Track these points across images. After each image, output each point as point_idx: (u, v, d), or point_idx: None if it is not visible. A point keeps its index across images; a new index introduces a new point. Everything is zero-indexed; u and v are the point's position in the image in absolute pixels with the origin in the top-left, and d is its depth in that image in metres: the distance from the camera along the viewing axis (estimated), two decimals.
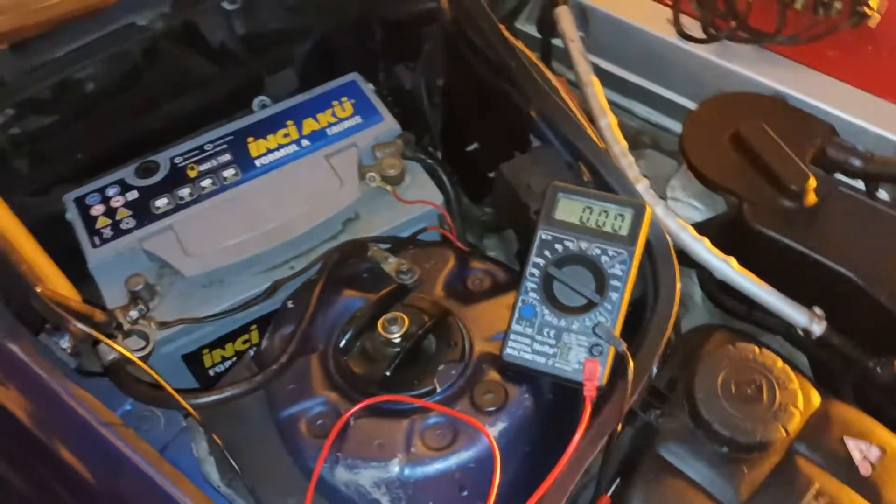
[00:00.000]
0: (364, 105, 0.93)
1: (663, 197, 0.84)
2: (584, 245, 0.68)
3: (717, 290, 0.84)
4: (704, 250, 0.75)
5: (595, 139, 0.75)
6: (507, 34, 0.82)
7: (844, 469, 0.67)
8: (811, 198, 0.76)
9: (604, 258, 0.68)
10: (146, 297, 0.79)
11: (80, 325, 0.64)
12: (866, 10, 0.83)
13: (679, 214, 0.78)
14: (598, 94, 0.84)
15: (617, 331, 0.66)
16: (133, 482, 0.61)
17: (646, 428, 0.70)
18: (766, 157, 0.78)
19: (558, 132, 0.77)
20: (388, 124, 0.91)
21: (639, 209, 0.68)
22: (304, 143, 0.90)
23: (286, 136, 0.91)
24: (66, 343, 0.65)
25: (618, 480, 0.68)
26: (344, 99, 0.94)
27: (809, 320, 0.73)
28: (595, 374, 0.64)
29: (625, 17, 0.95)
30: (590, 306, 0.67)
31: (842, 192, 0.78)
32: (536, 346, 0.67)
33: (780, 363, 0.68)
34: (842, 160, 0.80)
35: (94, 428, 0.61)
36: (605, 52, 0.98)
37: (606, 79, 0.98)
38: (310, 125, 0.92)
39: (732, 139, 0.80)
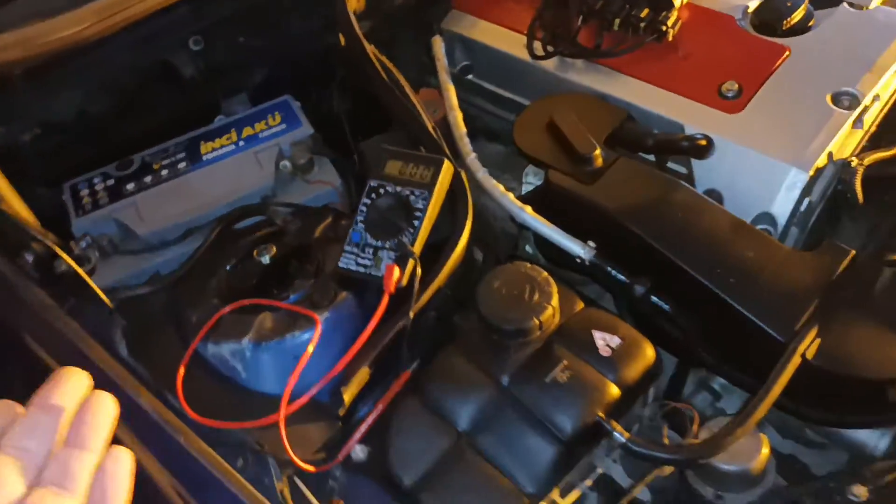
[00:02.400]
0: (290, 117, 1.20)
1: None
2: (399, 189, 0.92)
3: (548, 251, 1.05)
4: (508, 201, 0.97)
5: (430, 128, 0.99)
6: (375, 59, 1.07)
7: (589, 353, 0.86)
8: (598, 162, 0.98)
9: (412, 198, 0.91)
10: (106, 248, 1.07)
11: (41, 238, 0.91)
12: (663, 28, 1.06)
13: None
14: (451, 97, 1.09)
15: (416, 248, 0.89)
16: None
17: (450, 326, 0.92)
18: (568, 135, 1.00)
19: (404, 121, 1.02)
20: (305, 129, 1.17)
21: (438, 163, 0.92)
22: (241, 143, 1.18)
23: (228, 139, 1.19)
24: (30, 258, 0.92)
25: (418, 360, 0.89)
26: (276, 113, 1.21)
27: (583, 249, 0.94)
28: (392, 274, 0.87)
29: (494, 45, 1.20)
30: (399, 231, 0.90)
31: (625, 160, 0.99)
32: (360, 260, 0.90)
33: (544, 274, 0.88)
34: (634, 138, 1.02)
35: None
36: (485, 74, 1.24)
37: (486, 94, 1.24)
38: (247, 132, 1.20)
39: (548, 126, 1.03)
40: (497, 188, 0.98)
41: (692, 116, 1.02)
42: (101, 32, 1.11)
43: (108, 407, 0.53)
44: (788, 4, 1.07)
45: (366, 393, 0.87)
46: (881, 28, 1.04)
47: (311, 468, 0.81)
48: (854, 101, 0.98)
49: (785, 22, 1.06)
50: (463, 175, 0.95)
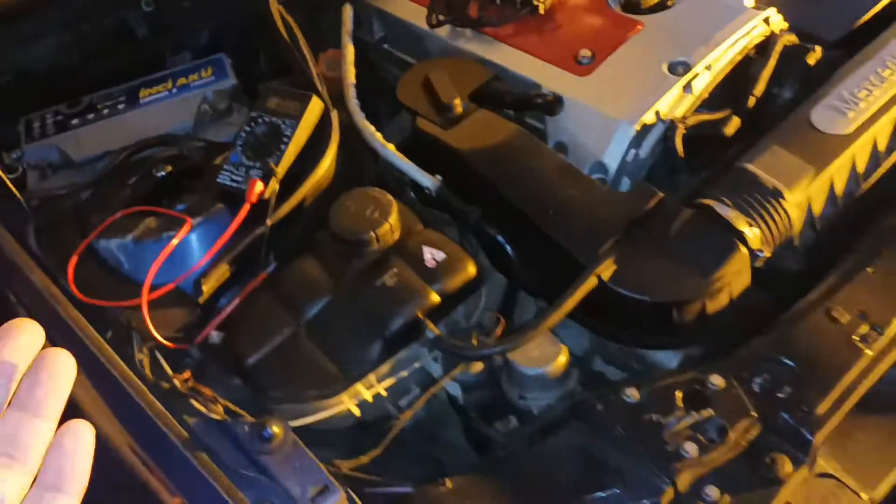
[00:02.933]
0: (219, 71, 1.36)
1: None
2: (273, 119, 1.08)
3: (420, 194, 1.18)
4: (375, 139, 1.12)
5: (314, 75, 1.14)
6: (278, 18, 1.22)
7: (418, 264, 0.99)
8: (458, 110, 1.12)
9: (282, 126, 1.07)
10: (46, 171, 1.24)
11: None
12: (535, 3, 1.20)
13: None
14: (347, 55, 1.24)
15: (279, 170, 1.04)
16: None
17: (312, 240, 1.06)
18: (435, 87, 1.14)
19: (298, 70, 1.17)
20: (229, 81, 1.34)
21: (307, 99, 1.07)
22: (174, 90, 1.35)
23: (164, 87, 1.36)
24: None
25: (275, 263, 1.04)
26: (209, 67, 1.38)
27: (429, 181, 1.07)
28: (253, 187, 1.02)
29: (402, 16, 1.35)
30: (269, 154, 1.05)
31: (483, 112, 1.13)
32: (234, 177, 1.06)
33: (388, 197, 1.02)
34: (495, 94, 1.16)
35: None
36: (396, 44, 1.39)
37: (398, 62, 1.38)
38: (181, 81, 1.36)
39: (423, 83, 1.17)
40: (368, 128, 1.13)
41: (548, 78, 1.15)
42: None
43: (66, 367, 0.47)
44: None
45: (227, 287, 1.02)
46: (725, 9, 1.16)
47: (168, 344, 0.96)
48: (687, 69, 1.10)
49: (642, 3, 1.19)
50: (335, 113, 1.10)
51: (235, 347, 0.97)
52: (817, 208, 1.03)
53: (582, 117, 1.11)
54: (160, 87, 1.36)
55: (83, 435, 0.47)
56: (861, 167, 1.06)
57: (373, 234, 0.99)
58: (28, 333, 0.47)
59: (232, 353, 0.97)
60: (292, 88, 1.11)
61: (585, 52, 1.15)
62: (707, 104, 1.12)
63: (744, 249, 0.96)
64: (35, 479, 0.46)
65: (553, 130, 1.15)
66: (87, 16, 1.41)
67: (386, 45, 1.40)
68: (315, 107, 1.07)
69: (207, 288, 0.99)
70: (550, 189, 1.04)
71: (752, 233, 0.97)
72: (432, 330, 0.94)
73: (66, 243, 1.06)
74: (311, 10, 1.39)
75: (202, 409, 0.88)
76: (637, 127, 1.07)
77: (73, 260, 1.01)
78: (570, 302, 0.95)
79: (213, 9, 1.43)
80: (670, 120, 1.07)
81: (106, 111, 1.33)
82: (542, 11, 1.21)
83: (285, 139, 1.05)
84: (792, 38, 1.15)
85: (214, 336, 1.00)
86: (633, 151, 1.08)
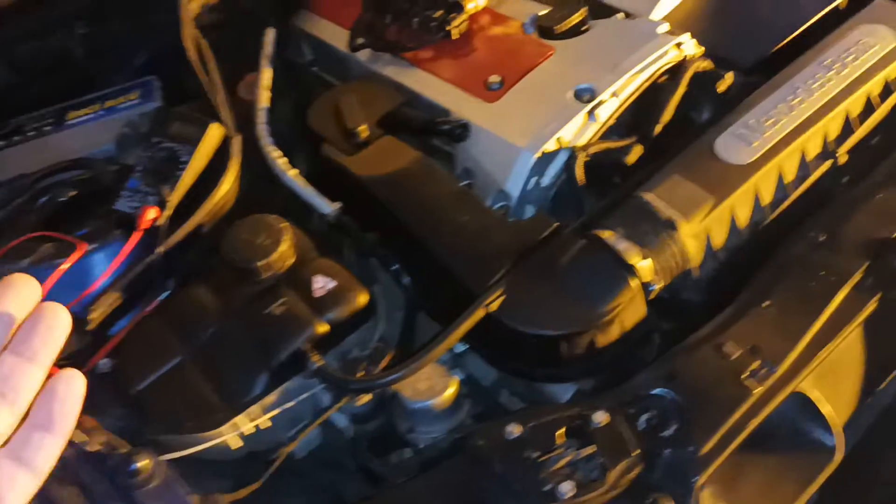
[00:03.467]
0: (147, 93, 1.36)
1: None
2: (172, 144, 1.08)
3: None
4: (277, 164, 1.11)
5: (218, 100, 1.14)
6: (190, 43, 1.22)
7: (307, 294, 0.98)
8: (363, 136, 1.11)
9: (180, 152, 1.06)
10: None
11: None
12: (448, 28, 1.20)
13: None
14: (263, 78, 1.24)
15: (173, 197, 1.04)
16: None
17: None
18: (343, 112, 1.14)
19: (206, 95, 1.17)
20: (156, 102, 1.34)
21: (206, 125, 1.07)
22: (101, 112, 1.35)
23: (92, 108, 1.37)
24: None
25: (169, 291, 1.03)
26: (138, 90, 1.38)
27: (327, 207, 1.07)
28: (144, 215, 1.02)
29: (327, 40, 1.35)
30: (165, 180, 1.05)
31: (389, 138, 1.12)
32: (131, 203, 1.05)
33: (282, 225, 1.01)
34: (403, 120, 1.15)
35: None
36: (324, 67, 1.39)
37: (327, 85, 1.38)
38: (109, 103, 1.36)
39: (333, 108, 1.17)
40: (272, 153, 1.13)
41: (458, 104, 1.14)
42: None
43: (61, 320, 0.50)
44: (565, 11, 1.19)
45: (119, 314, 1.02)
46: (636, 36, 1.15)
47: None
48: (592, 96, 1.09)
49: (558, 27, 1.18)
50: (237, 138, 1.09)
51: (123, 375, 0.97)
52: (718, 239, 1.01)
53: (487, 144, 1.10)
54: (88, 109, 1.36)
55: (75, 382, 0.50)
56: (766, 198, 1.04)
57: (262, 262, 0.99)
58: (26, 287, 0.49)
59: (120, 381, 0.97)
60: (195, 114, 1.11)
61: (495, 78, 1.14)
62: (615, 130, 1.11)
63: (634, 282, 0.95)
64: (24, 420, 0.49)
65: (461, 157, 1.14)
66: (22, 38, 1.43)
67: (315, 69, 1.40)
68: (214, 132, 1.07)
69: (96, 315, 0.99)
70: (445, 216, 1.03)
71: (644, 265, 0.95)
72: (315, 361, 0.93)
73: None
74: (244, 31, 1.39)
75: (84, 437, 0.88)
76: (537, 155, 1.06)
77: None
78: (456, 334, 0.94)
79: (147, 32, 1.44)
80: (571, 148, 1.06)
81: (32, 133, 1.33)
82: (455, 36, 1.20)
83: (182, 165, 1.05)
84: (705, 64, 1.14)
85: (103, 364, 0.99)
86: (534, 180, 1.07)
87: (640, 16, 1.21)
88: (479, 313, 0.94)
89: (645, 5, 1.23)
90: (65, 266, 1.00)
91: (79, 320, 1.00)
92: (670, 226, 0.97)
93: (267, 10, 1.37)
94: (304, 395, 0.98)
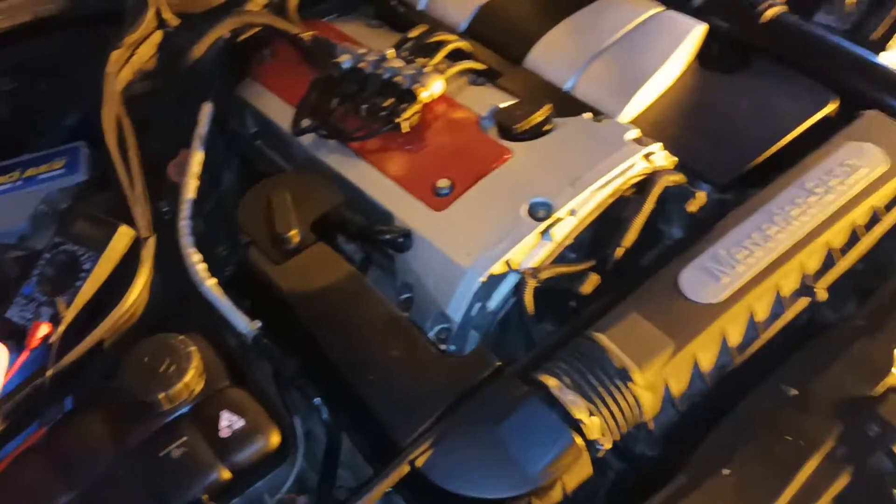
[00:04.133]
0: (73, 163, 1.25)
1: None
2: (75, 248, 0.96)
3: None
4: (195, 270, 1.00)
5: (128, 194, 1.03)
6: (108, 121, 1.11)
7: (212, 433, 0.87)
8: (294, 242, 1.00)
9: (83, 258, 0.95)
10: None
11: None
12: (397, 120, 1.09)
13: None
14: (193, 162, 1.12)
15: (69, 313, 0.92)
16: None
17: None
18: (275, 212, 1.03)
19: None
20: (80, 174, 1.22)
21: (114, 227, 0.96)
22: (19, 183, 1.23)
23: (10, 177, 1.25)
24: None
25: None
26: (63, 158, 1.27)
27: (245, 326, 0.95)
28: (36, 331, 0.90)
29: (271, 116, 1.23)
30: (63, 290, 0.94)
31: (321, 246, 1.01)
32: (24, 313, 0.94)
33: (190, 349, 0.90)
34: (340, 223, 1.04)
35: None
36: (268, 142, 1.27)
37: (269, 162, 1.27)
38: (30, 172, 1.25)
39: (264, 205, 1.06)
40: (190, 256, 1.01)
41: (403, 208, 1.04)
42: None
43: None
44: (527, 108, 1.09)
45: (5, 441, 0.90)
46: (602, 142, 1.05)
47: None
48: (548, 213, 0.98)
49: (517, 126, 1.07)
50: (149, 244, 0.98)
51: None
52: (678, 387, 0.91)
53: (430, 259, 0.99)
54: (5, 177, 1.25)
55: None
56: (734, 340, 0.93)
57: (163, 394, 0.87)
58: None
59: None
60: (101, 215, 0.99)
61: (444, 183, 1.04)
62: (572, 249, 1.00)
63: (579, 440, 0.84)
64: None
65: (401, 269, 1.03)
66: None
67: (258, 142, 1.29)
68: (123, 237, 0.96)
69: None
70: (373, 348, 0.92)
71: (590, 421, 0.84)
72: None
73: None
74: (184, 100, 1.28)
75: None
76: (483, 278, 0.95)
77: None
78: (376, 492, 0.83)
79: (77, 92, 1.32)
80: (521, 272, 0.95)
81: None
82: (405, 129, 1.09)
83: (83, 274, 0.94)
84: (676, 178, 1.04)
85: None
86: (479, 304, 0.96)
87: (610, 115, 1.11)
88: (403, 469, 0.83)
89: (615, 103, 1.12)
90: None
91: None
92: (624, 376, 0.86)
93: (207, 78, 1.26)
94: None
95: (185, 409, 0.89)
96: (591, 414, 0.85)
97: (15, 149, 1.33)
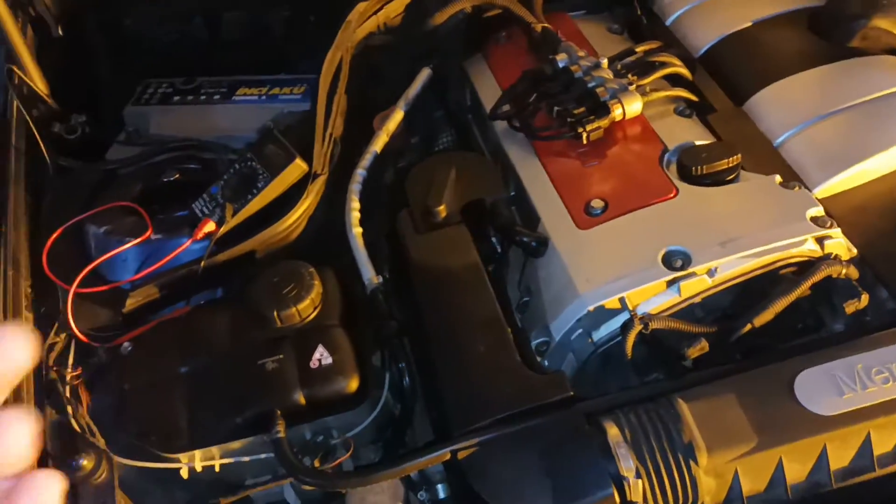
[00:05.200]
0: (311, 92, 1.40)
1: None
2: (257, 166, 1.09)
3: None
4: (349, 217, 1.08)
5: (321, 135, 1.13)
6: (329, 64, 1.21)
7: (304, 360, 0.96)
8: (440, 217, 1.05)
9: (260, 176, 1.08)
10: (132, 135, 1.37)
11: (43, 103, 1.22)
12: (580, 130, 1.08)
13: None
14: (392, 119, 1.21)
15: (233, 220, 1.05)
16: None
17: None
18: (433, 185, 1.08)
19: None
20: (305, 107, 1.37)
21: (291, 158, 1.07)
22: (262, 98, 1.41)
23: (259, 91, 1.42)
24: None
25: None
26: (304, 85, 1.42)
27: (369, 277, 1.02)
28: (203, 226, 1.04)
29: (480, 95, 1.28)
30: (237, 198, 1.07)
31: (459, 228, 1.05)
32: (204, 208, 1.09)
33: (314, 281, 0.99)
34: (489, 213, 1.07)
35: None
36: (476, 120, 1.32)
37: (474, 141, 1.33)
38: (275, 91, 1.42)
39: (431, 175, 1.11)
40: (351, 201, 1.10)
41: (551, 216, 1.04)
42: None
43: (20, 348, 0.41)
44: (716, 153, 1.03)
45: (155, 307, 1.07)
46: (775, 211, 0.96)
47: (82, 336, 1.03)
48: (685, 264, 0.93)
49: (697, 168, 1.02)
50: (319, 181, 1.08)
51: (123, 367, 1.01)
52: (751, 486, 0.84)
53: (554, 272, 0.99)
54: (255, 90, 1.43)
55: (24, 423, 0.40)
56: (838, 462, 0.84)
57: (279, 312, 0.98)
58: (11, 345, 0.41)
59: (119, 372, 1.02)
60: (286, 143, 1.10)
61: (599, 203, 1.02)
62: (703, 306, 0.95)
63: (618, 498, 0.81)
64: None
65: (528, 272, 1.04)
66: (233, 5, 1.52)
67: (470, 116, 1.35)
68: (295, 169, 1.07)
69: (132, 301, 1.05)
70: (465, 337, 0.94)
71: (635, 483, 0.81)
72: (278, 430, 0.92)
73: (70, 214, 1.17)
74: (415, 59, 1.37)
75: (69, 409, 0.95)
76: (592, 307, 0.93)
77: (55, 235, 1.11)
78: (414, 466, 0.87)
79: (334, 28, 1.46)
80: (632, 314, 0.92)
81: (203, 97, 1.43)
82: (584, 141, 1.08)
83: (255, 191, 1.07)
84: (847, 272, 0.93)
85: (125, 347, 1.05)
86: (581, 331, 0.95)
87: (808, 184, 1.01)
88: (445, 455, 0.87)
89: (819, 173, 1.03)
90: (123, 247, 1.06)
91: (120, 299, 1.07)
92: (688, 452, 0.82)
93: (442, 44, 1.33)
94: (263, 456, 0.97)
95: (291, 332, 1.00)
96: (639, 476, 0.82)
97: (280, 67, 1.52)
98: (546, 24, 1.27)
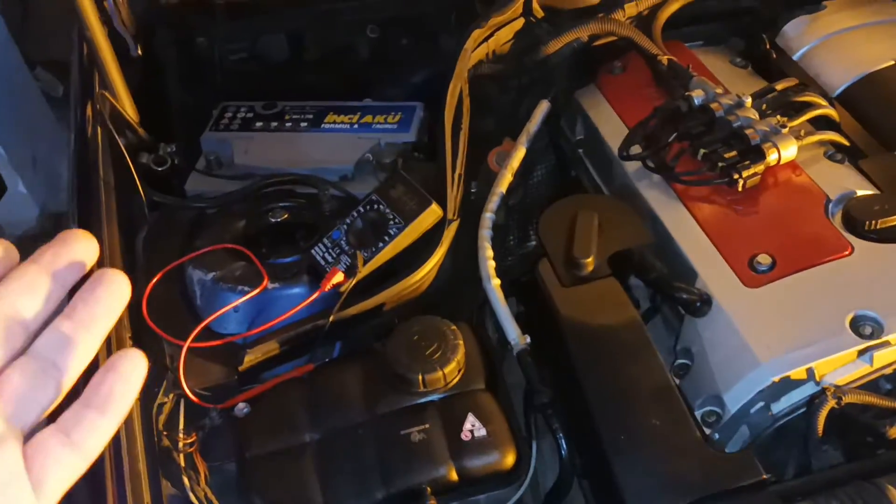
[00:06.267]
0: (406, 121, 1.31)
1: None
2: (387, 210, 1.00)
3: None
4: (485, 266, 1.00)
5: (450, 175, 1.04)
6: (451, 96, 1.13)
7: (453, 430, 0.87)
8: (588, 269, 0.97)
9: (391, 222, 0.98)
10: (212, 163, 1.27)
11: (133, 132, 1.12)
12: (736, 176, 1.00)
13: None
14: (515, 156, 1.12)
15: (364, 269, 0.96)
16: None
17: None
18: (577, 233, 1.00)
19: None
20: (410, 135, 1.27)
21: (426, 203, 0.98)
22: (355, 126, 1.31)
23: (349, 119, 1.33)
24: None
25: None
26: (399, 113, 1.33)
27: (515, 339, 0.94)
28: (331, 277, 0.95)
29: (600, 129, 1.20)
30: (366, 245, 0.98)
31: (612, 282, 0.96)
32: (327, 255, 1.00)
33: (459, 341, 0.91)
34: (640, 264, 0.99)
35: None
36: (589, 153, 1.25)
37: (586, 172, 1.24)
38: (367, 119, 1.32)
39: (570, 219, 1.03)
40: (485, 249, 1.01)
41: (710, 271, 0.95)
42: None
43: (122, 288, 0.45)
44: (888, 206, 0.95)
45: (274, 363, 0.97)
46: None
47: (194, 398, 0.93)
48: (876, 332, 0.86)
49: (868, 223, 0.94)
50: (452, 227, 0.99)
51: (245, 432, 0.92)
52: None
53: (723, 335, 0.91)
54: (345, 117, 1.33)
55: (138, 363, 0.44)
56: None
57: (421, 376, 0.89)
58: (84, 246, 0.45)
59: (241, 436, 0.92)
60: (418, 186, 1.01)
61: (765, 259, 0.94)
62: (891, 378, 0.87)
63: None
64: (72, 394, 0.44)
65: (687, 332, 0.95)
66: (317, 23, 1.43)
67: (581, 150, 1.27)
68: (431, 214, 0.98)
69: (250, 359, 0.95)
70: (635, 408, 0.86)
71: None
72: None
73: (167, 255, 1.07)
74: (525, 90, 1.28)
75: (186, 482, 0.86)
76: (777, 378, 0.85)
77: (154, 280, 1.01)
78: None
79: (427, 55, 1.38)
80: (822, 387, 0.84)
81: (289, 124, 1.33)
82: (739, 188, 1.00)
83: (387, 238, 0.97)
84: None
85: (240, 408, 0.96)
86: (761, 403, 0.87)
87: None
88: None
89: None
90: (245, 298, 0.97)
91: (233, 354, 0.98)
92: None
93: (553, 74, 1.25)
94: None
95: (434, 397, 0.91)
96: None
97: (363, 91, 1.42)
98: (672, 57, 1.19)
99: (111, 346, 0.91)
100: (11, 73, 2.85)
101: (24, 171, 2.75)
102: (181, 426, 0.92)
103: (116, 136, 1.09)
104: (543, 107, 1.19)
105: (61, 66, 3.35)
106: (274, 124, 1.33)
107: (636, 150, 1.10)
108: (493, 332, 1.05)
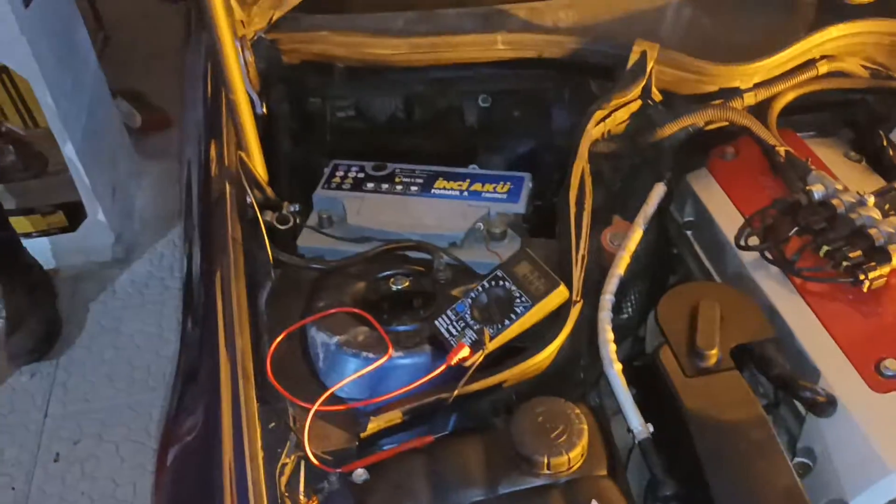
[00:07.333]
0: (515, 191, 1.33)
1: None
2: (513, 288, 1.02)
3: None
4: (606, 349, 1.01)
5: (575, 257, 1.06)
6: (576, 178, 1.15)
7: None
8: (711, 361, 0.97)
9: (517, 300, 1.00)
10: (324, 221, 1.30)
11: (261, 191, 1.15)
12: (862, 277, 1.00)
13: None
14: (631, 240, 1.13)
15: (490, 345, 0.98)
16: None
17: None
18: (699, 322, 1.00)
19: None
20: (517, 207, 1.29)
21: (554, 285, 0.99)
22: (465, 194, 1.34)
23: (459, 186, 1.36)
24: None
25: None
26: (508, 183, 1.35)
27: (638, 427, 0.94)
28: (458, 351, 0.97)
29: (713, 214, 1.21)
30: (492, 321, 1.00)
31: (735, 376, 0.97)
32: (451, 327, 1.02)
33: (583, 426, 0.92)
34: (762, 359, 0.99)
35: None
36: (699, 236, 1.26)
37: (693, 255, 1.25)
38: (476, 187, 1.35)
39: (691, 308, 1.04)
40: (605, 332, 1.02)
41: (835, 373, 0.96)
42: (408, 62, 1.35)
43: None
44: None
45: (394, 431, 0.99)
46: None
47: (316, 462, 0.95)
48: None
49: None
50: (576, 309, 1.01)
51: (363, 499, 0.93)
52: None
53: (849, 438, 0.91)
54: (455, 184, 1.36)
55: None
56: None
57: (547, 459, 0.90)
58: None
59: (359, 503, 0.94)
60: (545, 267, 1.03)
61: (892, 364, 0.94)
62: None
63: None
64: None
65: (808, 431, 0.96)
66: (430, 90, 1.46)
67: (689, 232, 1.28)
68: (558, 296, 1.00)
69: (374, 426, 0.97)
70: None
71: None
72: None
73: (289, 314, 1.10)
74: (639, 168, 1.30)
75: None
76: None
77: (278, 339, 1.03)
78: None
79: (536, 126, 1.41)
80: None
81: (399, 187, 1.36)
82: (864, 289, 1.01)
83: (513, 316, 0.99)
84: None
85: (360, 473, 0.97)
86: None
87: None
88: None
89: None
90: (372, 367, 0.99)
91: (354, 420, 0.99)
92: None
93: (666, 157, 1.27)
94: None
95: (557, 480, 0.91)
96: None
97: (468, 157, 1.46)
98: (790, 148, 1.21)
99: (240, 415, 0.94)
100: (98, 102, 2.94)
101: (104, 200, 2.83)
102: (301, 488, 0.94)
103: (251, 195, 1.12)
104: (659, 190, 1.20)
105: (137, 95, 3.48)
106: (385, 186, 1.36)
107: (754, 240, 1.11)
108: None
